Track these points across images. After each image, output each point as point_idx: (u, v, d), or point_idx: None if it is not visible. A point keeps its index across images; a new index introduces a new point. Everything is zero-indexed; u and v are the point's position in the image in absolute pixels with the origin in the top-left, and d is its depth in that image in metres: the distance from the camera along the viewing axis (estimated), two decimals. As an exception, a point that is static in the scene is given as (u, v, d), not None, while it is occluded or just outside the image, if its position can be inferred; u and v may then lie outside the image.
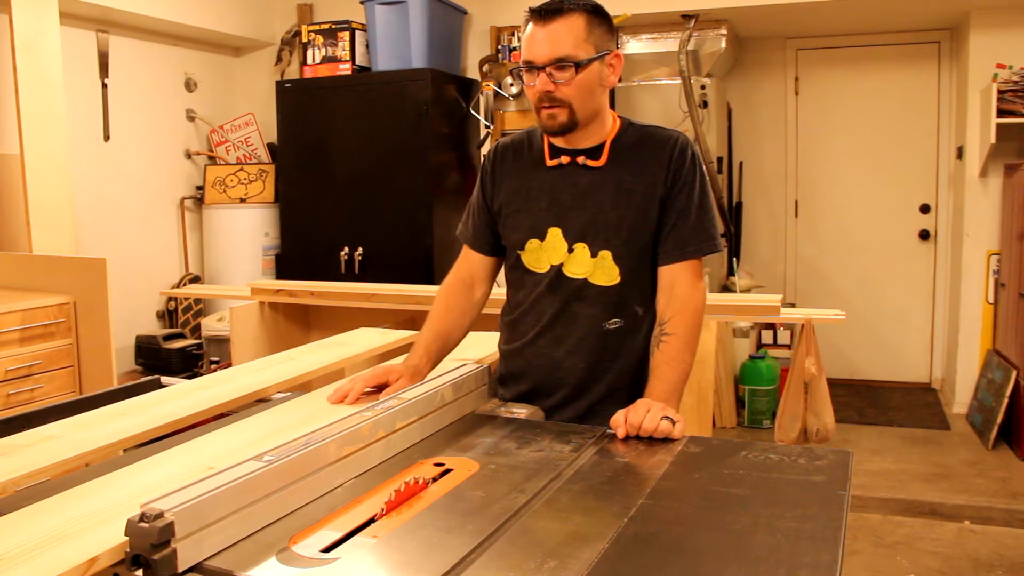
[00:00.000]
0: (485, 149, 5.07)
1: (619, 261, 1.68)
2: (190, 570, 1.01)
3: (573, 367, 1.72)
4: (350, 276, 4.79)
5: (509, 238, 1.77)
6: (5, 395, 3.13)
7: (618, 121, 1.73)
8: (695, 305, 1.67)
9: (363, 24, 4.88)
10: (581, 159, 1.70)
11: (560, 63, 1.58)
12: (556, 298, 1.71)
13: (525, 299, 1.76)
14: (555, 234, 1.70)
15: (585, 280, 1.69)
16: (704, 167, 1.71)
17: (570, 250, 1.69)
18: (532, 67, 1.61)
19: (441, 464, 1.36)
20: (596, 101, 1.66)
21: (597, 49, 1.61)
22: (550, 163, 1.72)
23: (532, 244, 1.72)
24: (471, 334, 2.00)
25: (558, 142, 1.72)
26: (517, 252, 1.75)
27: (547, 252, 1.71)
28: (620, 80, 1.71)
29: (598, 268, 1.68)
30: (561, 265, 1.70)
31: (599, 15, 1.63)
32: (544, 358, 1.74)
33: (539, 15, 1.61)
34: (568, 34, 1.58)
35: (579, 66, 1.59)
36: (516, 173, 1.77)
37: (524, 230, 1.73)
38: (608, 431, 1.53)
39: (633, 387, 1.72)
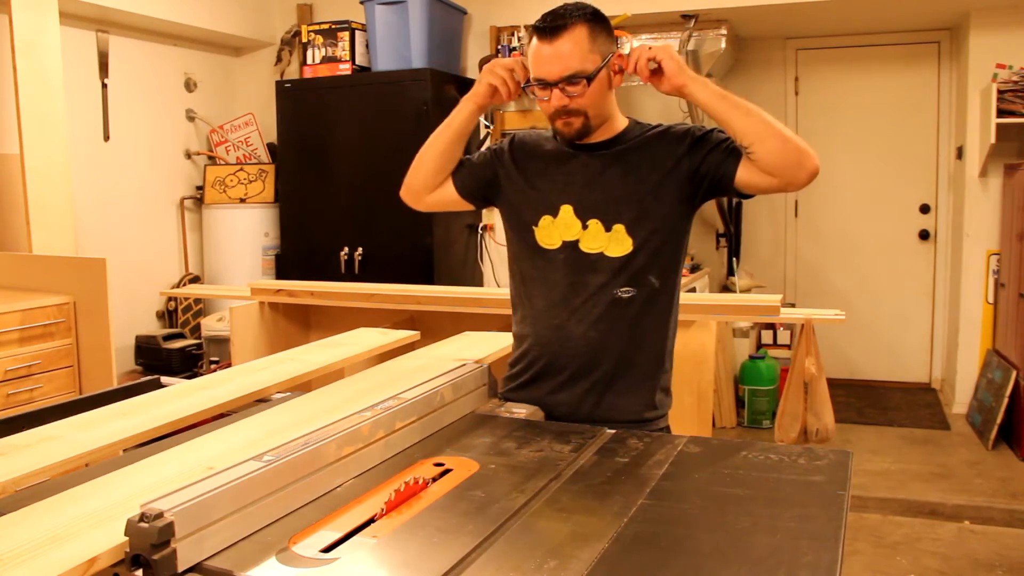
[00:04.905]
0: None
1: (632, 232, 1.69)
2: (190, 570, 1.01)
3: (583, 334, 1.71)
4: (350, 276, 4.78)
5: (520, 217, 1.79)
6: (5, 395, 3.13)
7: (627, 121, 1.77)
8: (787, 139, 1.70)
9: (363, 24, 4.88)
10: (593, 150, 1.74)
11: (571, 79, 1.60)
12: (569, 270, 1.72)
13: (536, 273, 1.77)
14: (567, 211, 1.72)
15: (600, 253, 1.71)
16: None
17: (584, 226, 1.71)
18: (544, 84, 1.63)
19: (441, 464, 1.36)
20: (607, 103, 1.70)
21: (602, 56, 1.63)
22: (564, 150, 1.76)
23: (545, 220, 1.74)
24: (470, 334, 1.99)
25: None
26: (532, 228, 1.76)
27: (559, 228, 1.73)
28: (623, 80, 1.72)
29: (612, 240, 1.70)
30: (577, 241, 1.71)
31: (599, 21, 1.63)
32: (552, 328, 1.74)
33: (543, 32, 1.61)
34: (575, 49, 1.59)
35: (590, 79, 1.61)
36: (531, 159, 1.80)
37: (536, 207, 1.75)
38: (608, 431, 1.53)
39: (648, 365, 1.73)
